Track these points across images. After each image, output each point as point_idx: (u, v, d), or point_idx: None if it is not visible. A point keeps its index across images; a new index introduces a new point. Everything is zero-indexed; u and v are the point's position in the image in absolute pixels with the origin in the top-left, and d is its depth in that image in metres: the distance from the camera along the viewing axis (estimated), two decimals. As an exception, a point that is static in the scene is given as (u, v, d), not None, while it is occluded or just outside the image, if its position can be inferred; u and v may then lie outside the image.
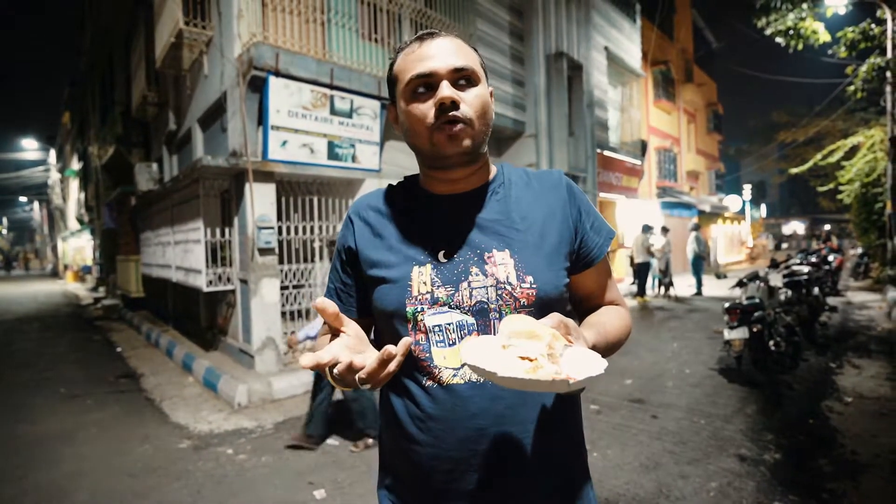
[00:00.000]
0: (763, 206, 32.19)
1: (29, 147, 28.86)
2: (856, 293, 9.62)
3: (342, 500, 2.52)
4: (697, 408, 3.61)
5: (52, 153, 28.03)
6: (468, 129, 0.75)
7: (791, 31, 7.27)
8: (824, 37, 7.20)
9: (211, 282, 4.92)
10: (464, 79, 0.76)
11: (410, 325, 0.77)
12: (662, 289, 9.95)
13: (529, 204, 0.83)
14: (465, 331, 0.76)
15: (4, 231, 47.85)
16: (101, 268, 14.33)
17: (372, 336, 0.92)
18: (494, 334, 0.76)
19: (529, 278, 0.76)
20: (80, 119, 17.25)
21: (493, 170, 0.87)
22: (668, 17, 14.58)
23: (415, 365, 0.77)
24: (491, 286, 0.75)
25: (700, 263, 10.33)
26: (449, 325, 0.76)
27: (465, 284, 0.76)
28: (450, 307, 0.76)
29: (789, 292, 5.18)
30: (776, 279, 5.30)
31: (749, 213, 24.23)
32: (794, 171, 9.48)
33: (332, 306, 0.63)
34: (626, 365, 4.89)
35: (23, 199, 38.72)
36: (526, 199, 0.83)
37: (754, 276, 4.84)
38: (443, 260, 0.78)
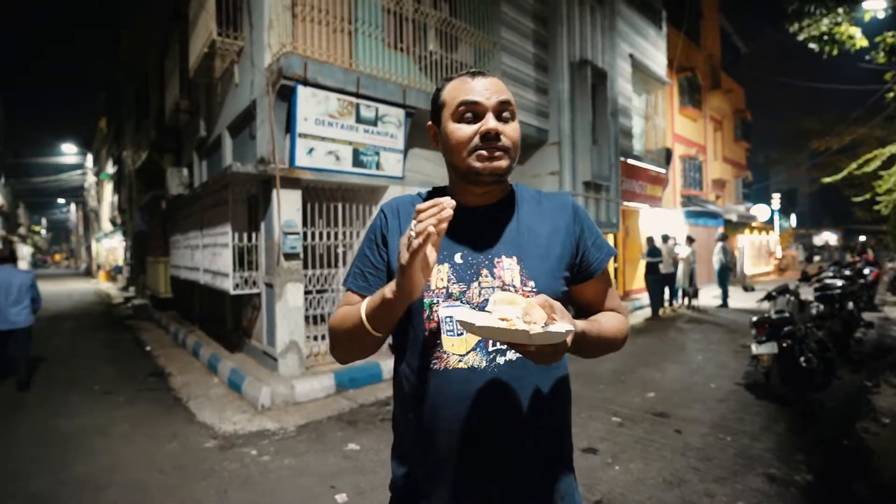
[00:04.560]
0: (793, 216, 31.14)
1: (68, 151, 30.22)
2: (894, 308, 9.23)
3: (363, 505, 2.55)
4: (723, 424, 3.52)
5: (90, 157, 29.25)
6: (505, 156, 0.88)
7: (826, 37, 7.03)
8: (861, 42, 6.95)
9: (237, 285, 5.05)
10: (505, 112, 0.89)
11: (426, 315, 0.88)
12: (686, 300, 9.75)
13: (537, 220, 0.95)
14: None
15: (43, 231, 50.05)
16: (132, 268, 14.85)
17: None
18: None
19: (531, 283, 0.88)
20: (116, 125, 17.98)
21: (509, 187, 1.00)
22: (694, 23, 14.32)
23: (426, 349, 0.87)
24: (497, 287, 0.87)
25: (726, 274, 10.07)
26: None
27: (475, 284, 0.88)
28: (461, 302, 0.87)
29: (821, 307, 5.00)
30: (807, 293, 5.13)
31: (778, 222, 23.50)
32: (827, 180, 9.14)
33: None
34: (648, 377, 4.80)
35: (61, 200, 40.53)
36: (534, 215, 0.96)
37: (784, 290, 4.69)
38: (458, 261, 0.89)
